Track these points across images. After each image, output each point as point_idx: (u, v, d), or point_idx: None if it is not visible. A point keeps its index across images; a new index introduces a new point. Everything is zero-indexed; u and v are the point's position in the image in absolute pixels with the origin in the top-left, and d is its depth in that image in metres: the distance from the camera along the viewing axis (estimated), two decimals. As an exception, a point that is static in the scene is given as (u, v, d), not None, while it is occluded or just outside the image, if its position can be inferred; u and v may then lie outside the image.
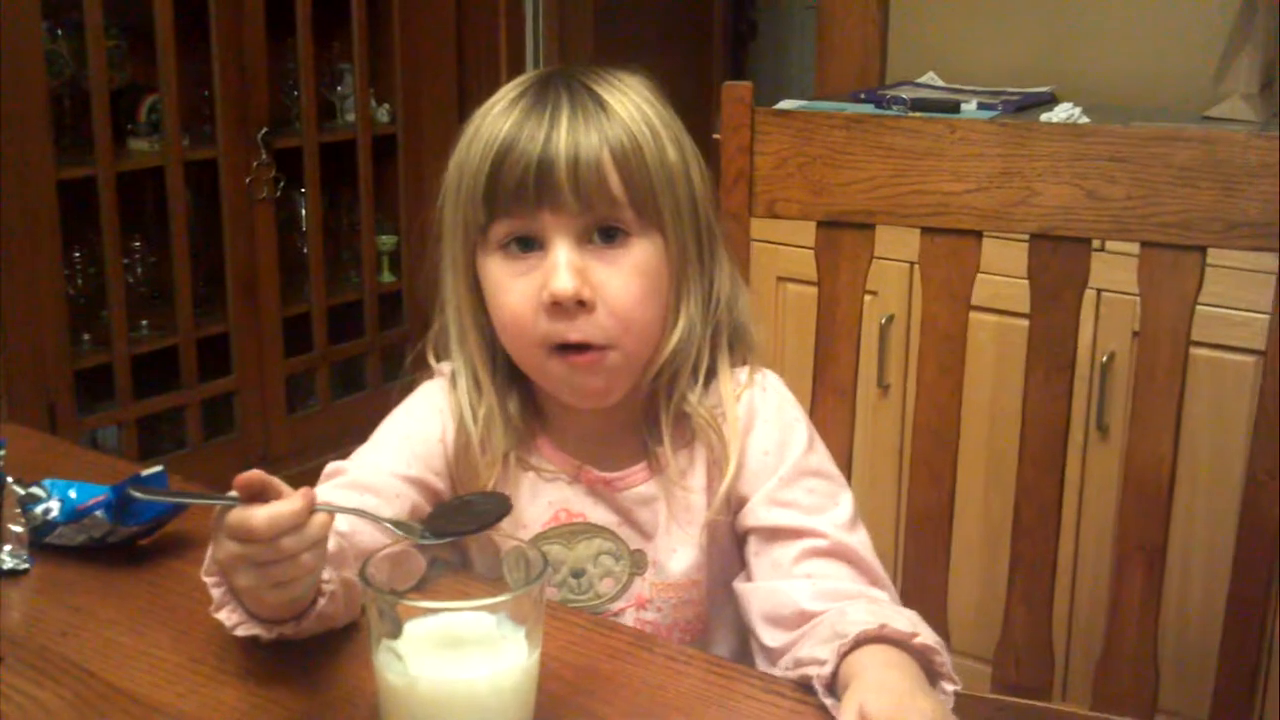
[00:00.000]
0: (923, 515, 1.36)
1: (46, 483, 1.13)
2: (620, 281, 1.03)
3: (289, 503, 0.83)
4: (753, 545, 1.09)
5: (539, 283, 1.02)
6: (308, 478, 1.06)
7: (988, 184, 1.30)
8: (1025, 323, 1.33)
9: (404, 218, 3.34)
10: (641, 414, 1.11)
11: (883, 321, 2.19)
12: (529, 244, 1.03)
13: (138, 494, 0.90)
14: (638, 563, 1.11)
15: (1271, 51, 2.26)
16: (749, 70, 4.46)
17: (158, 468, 1.11)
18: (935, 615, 1.36)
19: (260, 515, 0.82)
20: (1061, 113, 2.28)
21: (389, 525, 0.91)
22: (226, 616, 0.93)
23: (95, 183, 2.71)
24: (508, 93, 1.07)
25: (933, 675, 0.92)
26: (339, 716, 0.90)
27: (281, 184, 3.04)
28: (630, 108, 1.04)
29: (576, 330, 1.02)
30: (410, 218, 3.34)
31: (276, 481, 0.85)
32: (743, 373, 1.13)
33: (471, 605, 0.84)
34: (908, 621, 0.95)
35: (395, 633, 0.83)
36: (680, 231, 1.06)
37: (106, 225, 2.73)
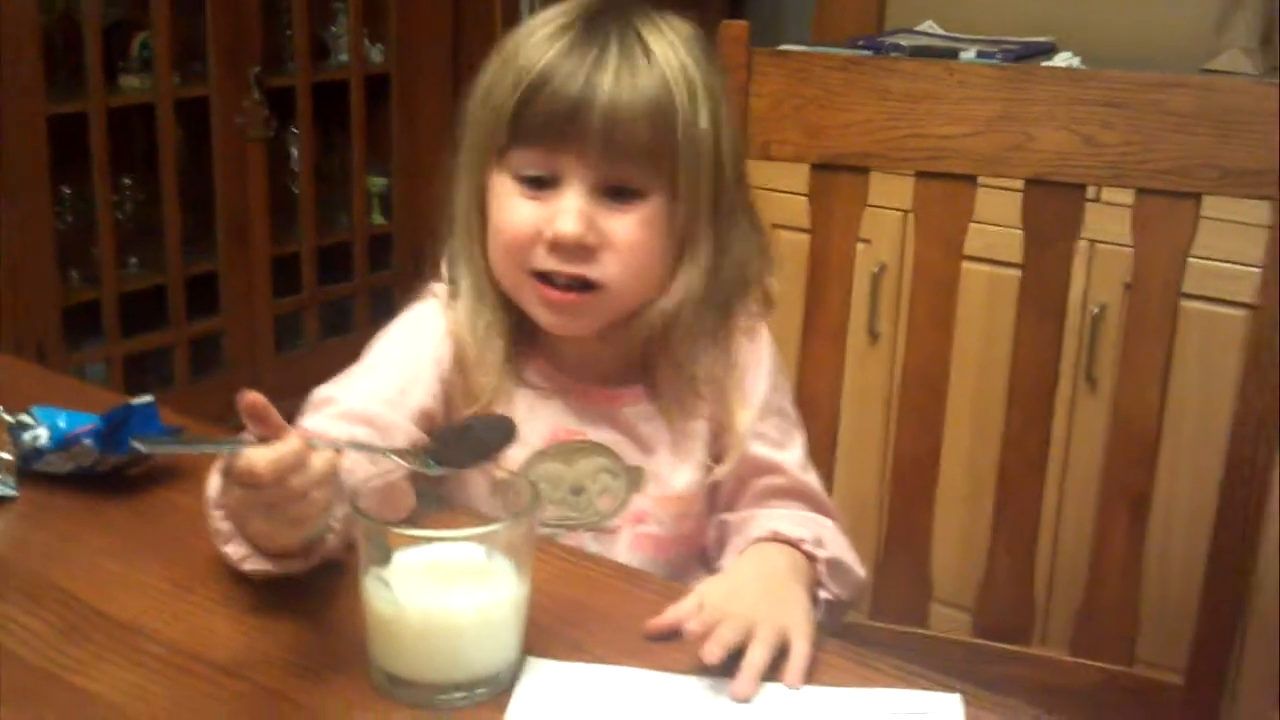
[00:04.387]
0: (910, 462, 1.37)
1: (35, 410, 1.12)
2: (626, 229, 1.03)
3: (288, 443, 0.82)
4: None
5: (546, 216, 1.02)
6: (297, 417, 1.05)
7: (985, 128, 1.30)
8: (1017, 273, 1.32)
9: (396, 159, 3.32)
10: (640, 349, 1.11)
11: (875, 270, 2.19)
12: (543, 182, 1.03)
13: (141, 446, 0.89)
14: (635, 479, 1.12)
15: (1272, 4, 2.25)
16: (745, 15, 4.42)
17: (148, 398, 1.11)
18: (919, 561, 1.37)
19: (263, 459, 0.80)
20: (1061, 62, 2.28)
21: (392, 456, 0.90)
22: (234, 550, 0.92)
23: (86, 119, 2.69)
24: (555, 18, 1.05)
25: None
26: (327, 644, 0.90)
27: (273, 123, 3.02)
28: (675, 64, 1.03)
29: (572, 267, 1.03)
30: (402, 159, 3.32)
31: (275, 413, 0.83)
32: (739, 319, 1.14)
33: (461, 535, 0.84)
34: (811, 532, 1.06)
35: (384, 561, 0.83)
36: (694, 196, 1.05)
37: (97, 162, 2.71)
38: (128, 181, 2.92)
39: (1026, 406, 1.33)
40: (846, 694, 0.87)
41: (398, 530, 0.85)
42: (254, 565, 0.92)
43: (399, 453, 0.91)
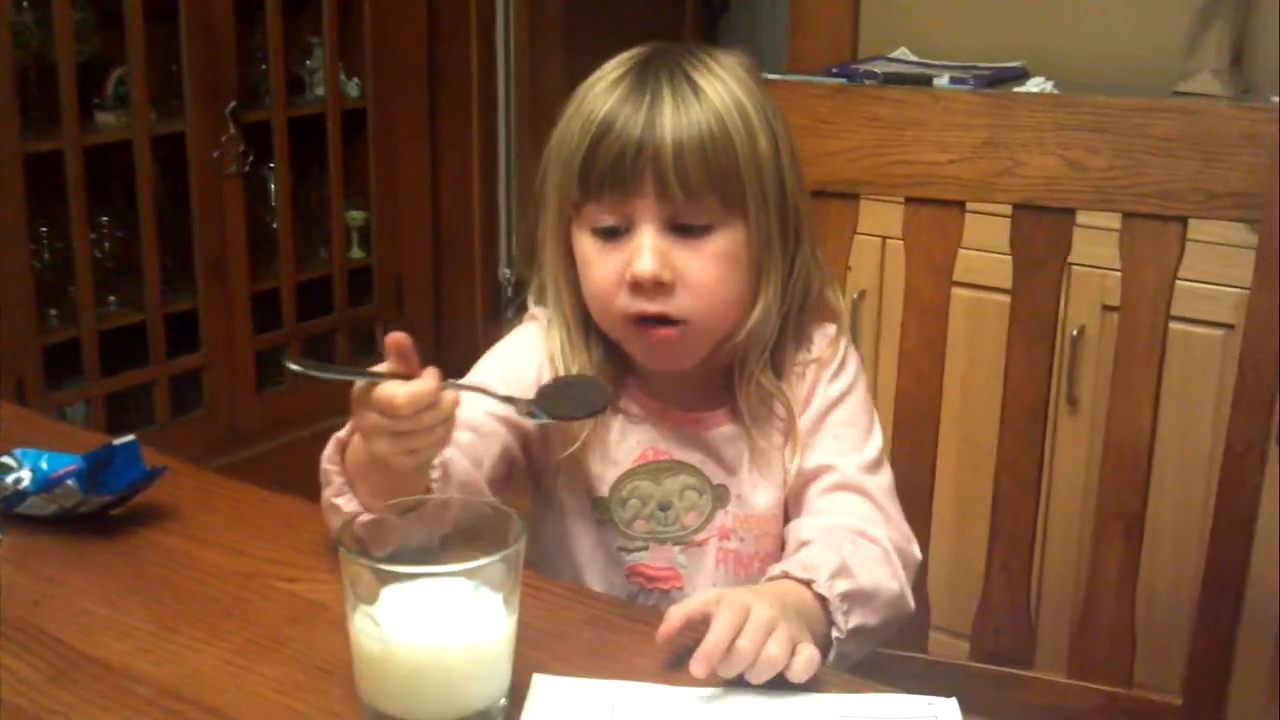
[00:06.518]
0: (903, 487, 1.35)
1: (17, 452, 1.12)
2: (700, 264, 1.08)
3: (425, 382, 0.91)
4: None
5: (624, 261, 1.08)
6: (278, 455, 1.05)
7: (971, 154, 1.30)
8: (999, 297, 1.33)
9: (374, 193, 3.31)
10: (721, 375, 1.17)
11: (855, 296, 2.19)
12: (616, 231, 1.08)
13: (296, 367, 0.96)
14: (720, 496, 1.18)
15: (1241, 26, 2.26)
16: (721, 45, 4.45)
17: (129, 437, 1.10)
18: (917, 587, 1.36)
19: (403, 392, 0.90)
20: (1033, 87, 2.29)
21: (505, 399, 1.01)
22: (345, 503, 1.00)
23: (62, 157, 2.67)
24: (611, 70, 1.11)
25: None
26: (315, 683, 0.89)
27: (250, 159, 3.01)
28: (725, 96, 1.08)
29: (655, 305, 1.08)
30: (381, 193, 3.31)
31: (415, 353, 0.93)
32: (818, 343, 1.19)
33: (448, 570, 0.83)
34: (833, 562, 1.03)
35: (371, 598, 0.82)
36: (764, 219, 1.10)
37: (73, 200, 2.69)
38: (105, 219, 2.90)
39: (1018, 429, 1.33)
40: (845, 700, 0.89)
41: (385, 567, 0.83)
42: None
43: (510, 401, 1.01)
